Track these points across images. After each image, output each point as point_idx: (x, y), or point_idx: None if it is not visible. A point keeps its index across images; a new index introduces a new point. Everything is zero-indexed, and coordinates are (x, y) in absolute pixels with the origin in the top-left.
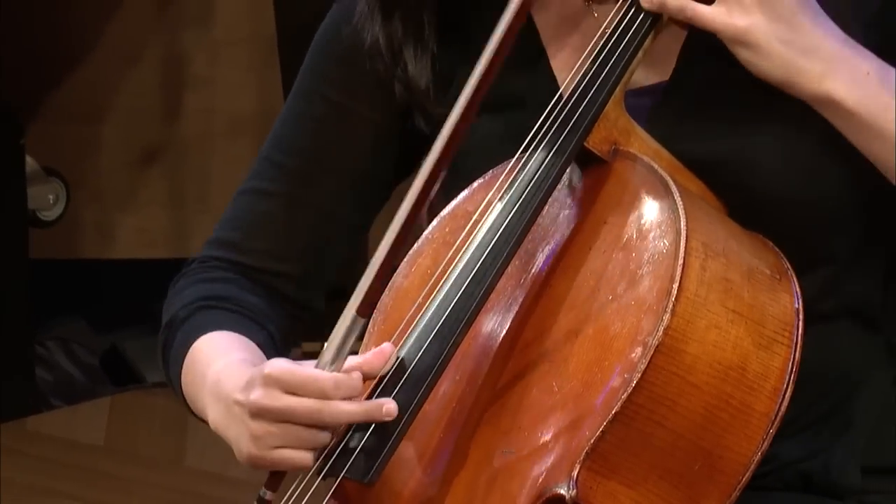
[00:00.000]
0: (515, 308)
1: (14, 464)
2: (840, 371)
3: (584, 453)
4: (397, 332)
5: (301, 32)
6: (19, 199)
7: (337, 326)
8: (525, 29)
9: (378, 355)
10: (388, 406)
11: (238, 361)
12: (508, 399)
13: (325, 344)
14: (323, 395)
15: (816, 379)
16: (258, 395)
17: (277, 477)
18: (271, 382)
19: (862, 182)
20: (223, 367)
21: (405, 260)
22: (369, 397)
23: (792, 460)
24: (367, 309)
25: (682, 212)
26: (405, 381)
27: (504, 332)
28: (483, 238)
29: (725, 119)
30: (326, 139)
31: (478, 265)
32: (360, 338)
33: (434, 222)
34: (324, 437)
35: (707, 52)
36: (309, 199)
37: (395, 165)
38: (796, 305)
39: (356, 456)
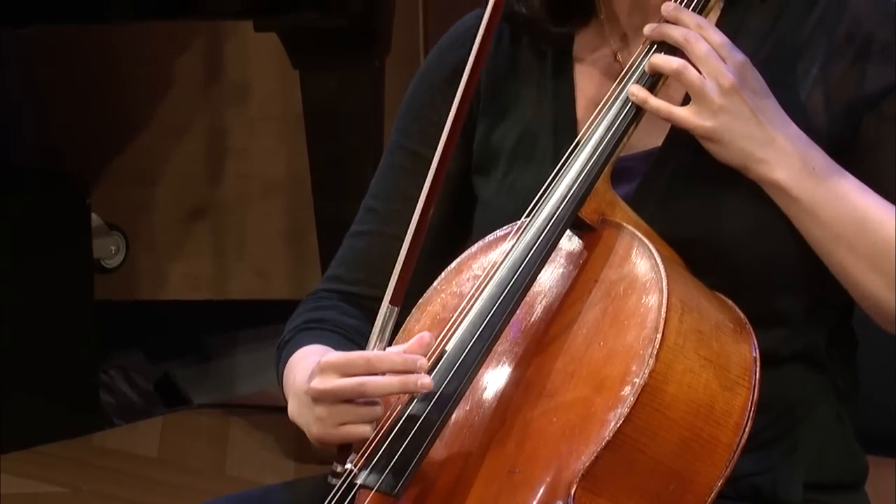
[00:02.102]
0: (518, 352)
1: (81, 474)
2: (789, 404)
3: (580, 475)
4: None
5: (323, 109)
6: (86, 250)
7: (377, 318)
8: (564, 86)
9: (418, 342)
10: (422, 380)
11: (310, 363)
12: (513, 427)
13: (370, 335)
14: (369, 370)
15: (768, 409)
16: (316, 382)
17: (344, 451)
18: (326, 369)
19: (814, 253)
20: (300, 369)
21: (416, 307)
22: (395, 421)
23: (745, 474)
24: (398, 298)
25: (663, 274)
26: (432, 405)
27: (509, 371)
28: (491, 292)
29: (706, 193)
30: (406, 182)
31: (488, 315)
32: (396, 327)
33: (441, 276)
34: (376, 411)
35: None
36: (395, 234)
37: (466, 204)
38: (754, 354)
39: (385, 474)
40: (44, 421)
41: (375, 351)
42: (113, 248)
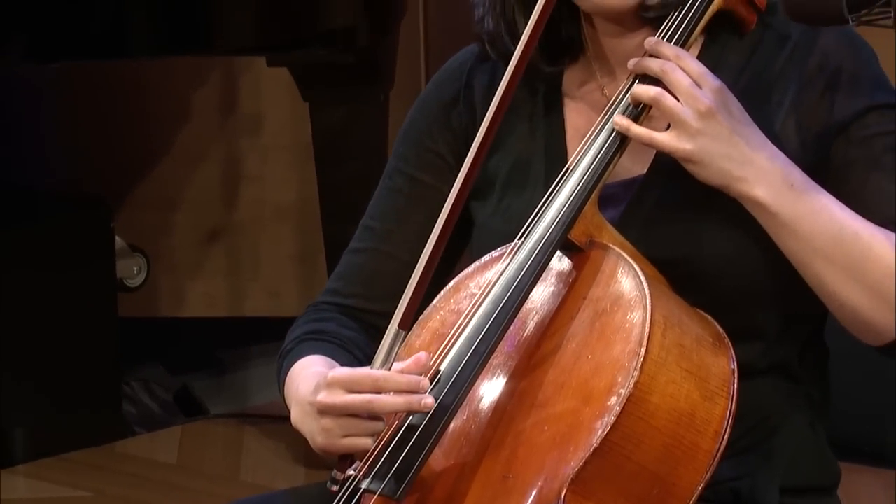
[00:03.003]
0: (512, 364)
1: (105, 479)
2: (765, 413)
3: (570, 479)
4: None
5: (331, 139)
6: (110, 270)
7: (384, 338)
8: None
9: (415, 362)
10: (425, 400)
11: (313, 374)
12: (508, 435)
13: (376, 353)
14: (375, 389)
15: (746, 418)
16: (323, 396)
17: (345, 460)
18: (333, 384)
19: (791, 271)
20: (303, 378)
21: (416, 323)
22: (398, 429)
23: (724, 479)
24: (407, 322)
25: (647, 291)
26: (427, 419)
27: (503, 382)
28: (486, 308)
29: (687, 216)
30: (403, 204)
31: (483, 330)
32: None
33: (441, 294)
34: (379, 426)
35: None
36: (390, 252)
37: (458, 227)
38: (732, 366)
39: (388, 479)
40: (70, 429)
41: (381, 371)
42: (135, 268)
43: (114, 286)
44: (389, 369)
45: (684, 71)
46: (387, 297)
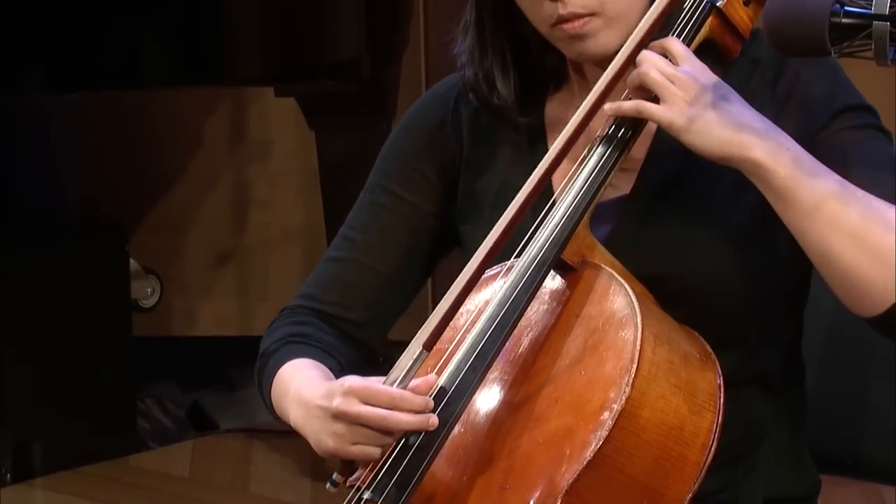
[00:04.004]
0: (508, 380)
1: (119, 492)
2: (748, 425)
3: (564, 491)
4: None
5: (336, 166)
6: (124, 291)
7: (404, 354)
8: (538, 145)
9: (425, 383)
10: (433, 419)
11: (314, 377)
12: (504, 447)
13: (394, 367)
14: (391, 406)
15: (729, 431)
16: (339, 402)
17: (347, 466)
18: (350, 393)
19: (770, 285)
20: (302, 381)
21: (416, 339)
22: (399, 441)
23: (711, 491)
24: (431, 344)
25: (638, 310)
26: (427, 432)
27: (500, 397)
28: (482, 326)
29: (670, 234)
30: (384, 218)
31: (480, 346)
32: (379, 300)
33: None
34: (389, 439)
35: (661, 174)
36: (368, 263)
37: (436, 244)
38: (719, 381)
39: (389, 489)
40: (86, 444)
41: (397, 388)
42: (149, 289)
43: (128, 306)
44: (405, 387)
45: (670, 53)
46: (363, 307)
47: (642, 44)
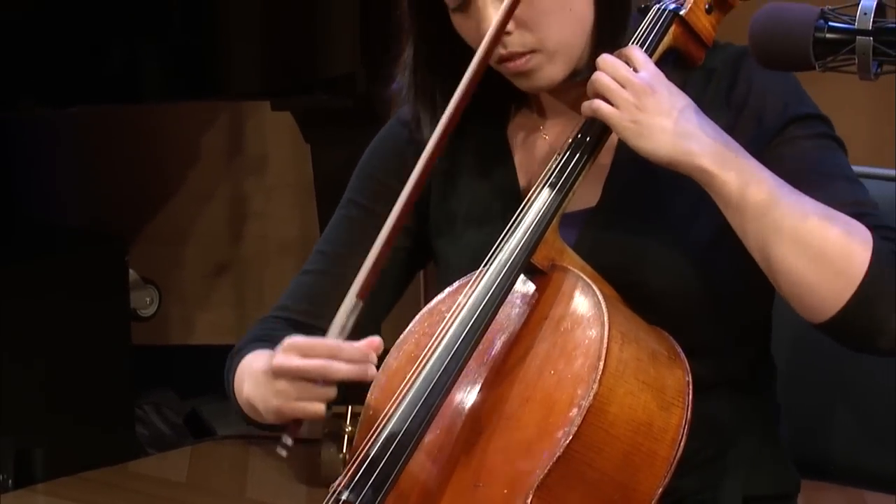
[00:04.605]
0: (480, 381)
1: (119, 497)
2: (723, 425)
3: (535, 486)
4: (391, 402)
5: (331, 179)
6: (124, 301)
7: (341, 308)
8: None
9: (369, 342)
10: (371, 369)
11: (267, 353)
12: (478, 446)
13: (332, 322)
14: (330, 356)
15: (705, 431)
16: (279, 359)
17: (296, 426)
18: (289, 349)
19: (736, 289)
20: (255, 358)
21: (394, 346)
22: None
23: (691, 492)
24: (364, 293)
25: (605, 309)
26: (402, 433)
27: (473, 397)
28: (455, 330)
29: (635, 243)
30: (355, 232)
31: (453, 350)
32: (358, 320)
33: (416, 318)
34: (332, 392)
35: (624, 185)
36: (339, 274)
37: (408, 259)
38: (687, 378)
39: (366, 489)
40: (86, 450)
41: (336, 340)
42: (148, 299)
43: (128, 316)
44: (345, 339)
45: (630, 59)
46: (333, 316)
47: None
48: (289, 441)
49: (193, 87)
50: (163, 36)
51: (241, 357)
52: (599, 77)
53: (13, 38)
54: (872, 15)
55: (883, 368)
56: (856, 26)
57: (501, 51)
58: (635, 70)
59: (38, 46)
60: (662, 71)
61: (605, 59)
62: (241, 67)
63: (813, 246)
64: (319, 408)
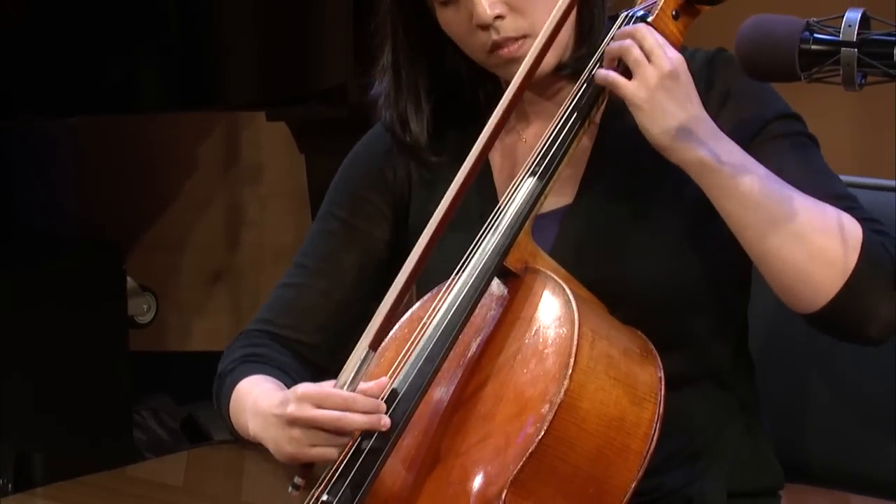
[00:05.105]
0: (456, 381)
1: (117, 500)
2: (705, 421)
3: (509, 481)
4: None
5: (325, 188)
6: (121, 308)
7: (352, 355)
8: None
9: (377, 385)
10: (384, 420)
11: (269, 388)
12: (454, 444)
13: (343, 369)
14: (343, 408)
15: (688, 427)
16: (293, 409)
17: (307, 468)
18: (303, 398)
19: (713, 282)
20: (258, 393)
21: (377, 352)
22: (353, 443)
23: (676, 487)
24: (377, 344)
25: (575, 308)
26: (380, 433)
27: (448, 397)
28: (431, 332)
29: (613, 238)
30: (334, 245)
31: (428, 352)
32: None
33: (396, 326)
34: (345, 439)
35: (599, 182)
36: (320, 288)
37: (389, 270)
38: (659, 375)
39: (344, 490)
40: (85, 454)
41: (347, 391)
42: (145, 306)
43: (125, 323)
44: (355, 388)
45: (649, 39)
46: (315, 330)
47: (542, 55)
48: (301, 482)
49: (190, 99)
50: (160, 48)
51: (235, 379)
52: (627, 46)
53: (13, 49)
54: (857, 27)
55: (865, 370)
56: (840, 38)
57: (494, 36)
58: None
59: (37, 58)
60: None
61: (639, 28)
62: (237, 79)
63: (807, 237)
64: (333, 453)
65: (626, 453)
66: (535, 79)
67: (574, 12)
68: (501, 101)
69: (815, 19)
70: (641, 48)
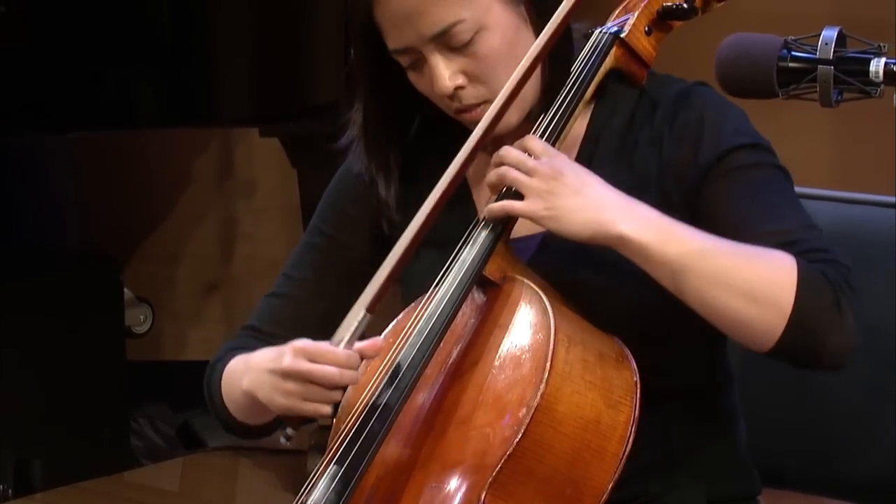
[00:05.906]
0: (437, 387)
1: None
2: (683, 431)
3: (488, 483)
4: (353, 411)
5: (317, 201)
6: (118, 319)
7: (349, 316)
8: (461, 188)
9: (372, 344)
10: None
11: (264, 350)
12: (435, 449)
13: (338, 330)
14: (337, 364)
15: (665, 437)
16: (289, 362)
17: (297, 420)
18: (299, 353)
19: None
20: (251, 356)
21: (364, 363)
22: (344, 439)
23: (656, 495)
24: (374, 306)
25: (551, 315)
26: (363, 439)
27: (430, 402)
28: (413, 340)
29: (586, 266)
30: (318, 257)
31: (410, 359)
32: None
33: (383, 334)
34: (338, 395)
35: None
36: (305, 299)
37: (367, 281)
38: (635, 379)
39: (330, 491)
40: (83, 461)
41: (344, 349)
42: (142, 316)
43: (122, 333)
44: (351, 347)
45: (529, 149)
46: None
47: (509, 101)
48: (292, 432)
49: (185, 115)
50: (157, 65)
51: (225, 363)
52: (507, 172)
53: (12, 66)
54: (833, 45)
55: (839, 378)
56: (817, 55)
57: (456, 104)
58: (537, 158)
59: (36, 75)
60: (607, 86)
61: (509, 154)
62: (231, 96)
63: (739, 286)
64: (326, 409)
65: (603, 455)
66: (497, 134)
67: (539, 67)
68: (455, 161)
69: (792, 37)
70: (517, 167)
